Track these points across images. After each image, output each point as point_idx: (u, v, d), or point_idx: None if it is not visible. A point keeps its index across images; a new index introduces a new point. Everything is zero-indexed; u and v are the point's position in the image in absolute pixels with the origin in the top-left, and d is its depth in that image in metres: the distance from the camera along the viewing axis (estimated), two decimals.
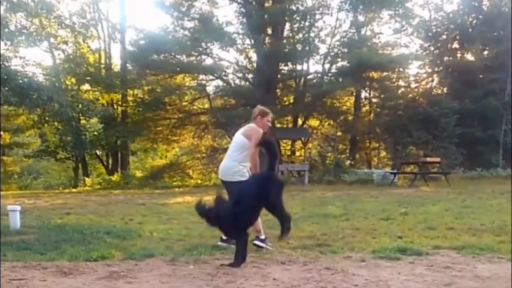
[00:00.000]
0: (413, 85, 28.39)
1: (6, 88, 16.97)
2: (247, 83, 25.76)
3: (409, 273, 4.32)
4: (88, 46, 26.99)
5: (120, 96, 24.99)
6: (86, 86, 25.93)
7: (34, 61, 24.31)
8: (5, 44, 20.42)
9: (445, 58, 26.81)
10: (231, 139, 24.30)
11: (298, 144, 26.28)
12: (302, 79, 25.72)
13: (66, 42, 25.91)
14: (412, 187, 16.08)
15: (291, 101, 26.12)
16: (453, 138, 22.61)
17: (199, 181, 24.42)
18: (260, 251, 5.29)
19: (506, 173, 20.04)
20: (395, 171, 18.82)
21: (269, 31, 24.86)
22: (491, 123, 23.74)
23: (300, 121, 26.58)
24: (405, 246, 5.34)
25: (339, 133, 27.12)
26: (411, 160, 20.83)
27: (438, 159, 18.16)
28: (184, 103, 25.99)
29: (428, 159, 18.42)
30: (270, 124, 5.71)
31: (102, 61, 26.67)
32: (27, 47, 22.89)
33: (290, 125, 25.99)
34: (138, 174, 25.66)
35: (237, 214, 4.59)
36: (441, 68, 26.90)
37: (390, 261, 4.81)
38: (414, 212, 8.75)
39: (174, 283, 4.00)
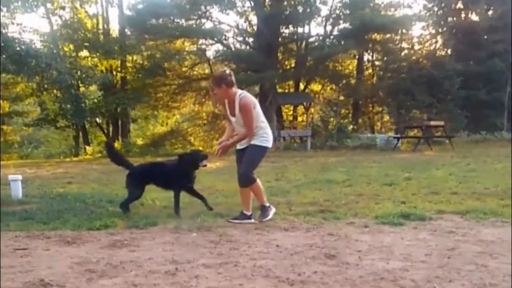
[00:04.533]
0: (416, 47, 28.09)
1: (4, 56, 16.74)
2: (248, 47, 25.43)
3: (412, 238, 4.32)
4: (86, 11, 26.62)
5: (119, 62, 24.73)
6: (85, 53, 25.66)
7: (31, 27, 24.17)
8: (2, 11, 20.05)
9: (449, 19, 26.39)
10: None
11: (300, 109, 26.17)
12: (304, 42, 25.36)
13: (63, 8, 25.55)
14: (415, 151, 16.05)
15: (293, 65, 25.84)
16: (457, 101, 22.49)
17: (200, 148, 24.38)
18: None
19: (510, 136, 19.96)
20: (398, 135, 18.77)
21: None
22: (496, 85, 23.53)
23: (302, 86, 26.36)
24: (408, 211, 5.32)
25: (341, 98, 26.97)
26: (414, 124, 20.77)
27: (442, 123, 18.06)
28: (184, 69, 25.75)
29: (432, 122, 18.32)
30: (212, 93, 5.29)
31: (100, 26, 26.29)
32: (24, 13, 22.51)
33: (292, 90, 25.78)
34: (139, 141, 25.74)
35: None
36: (445, 29, 26.52)
37: (393, 226, 4.80)
38: (417, 177, 8.72)
39: (177, 251, 4.00)
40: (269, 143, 5.10)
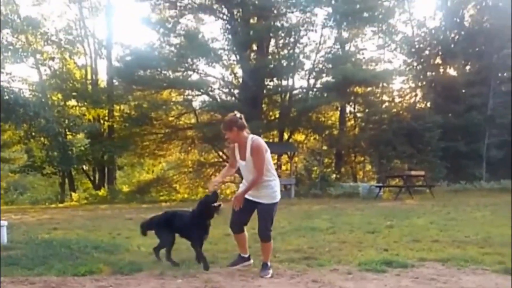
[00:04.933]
0: (397, 99, 28.82)
1: None
2: (233, 98, 25.86)
3: (395, 285, 4.38)
4: (75, 62, 26.99)
5: (107, 111, 24.90)
6: (73, 102, 25.85)
7: (20, 77, 24.30)
8: None
9: (428, 73, 27.28)
10: (218, 153, 24.34)
11: (284, 158, 26.37)
12: (288, 94, 25.92)
13: (52, 58, 25.89)
14: (397, 200, 16.22)
15: (277, 116, 26.27)
16: (437, 151, 22.91)
17: (186, 195, 24.33)
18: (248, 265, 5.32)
19: (489, 185, 20.33)
20: (380, 184, 18.97)
21: (254, 47, 25.12)
22: (474, 137, 24.11)
23: (286, 136, 26.70)
24: (390, 259, 5.38)
25: (324, 147, 27.31)
26: (396, 173, 21.04)
27: (422, 173, 18.37)
28: (170, 118, 25.99)
29: (413, 172, 18.64)
30: (226, 136, 5.00)
31: (89, 77, 26.64)
32: (13, 63, 22.89)
33: (276, 140, 26.11)
34: (125, 188, 25.49)
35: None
36: (424, 83, 27.34)
37: (376, 273, 4.86)
38: (399, 225, 8.81)
39: None
40: (279, 196, 5.00)
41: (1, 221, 6.94)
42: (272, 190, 4.90)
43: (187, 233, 5.25)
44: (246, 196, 4.90)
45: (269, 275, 4.78)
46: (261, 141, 4.85)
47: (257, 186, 4.84)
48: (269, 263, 4.96)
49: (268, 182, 4.89)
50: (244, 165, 4.88)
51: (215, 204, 4.95)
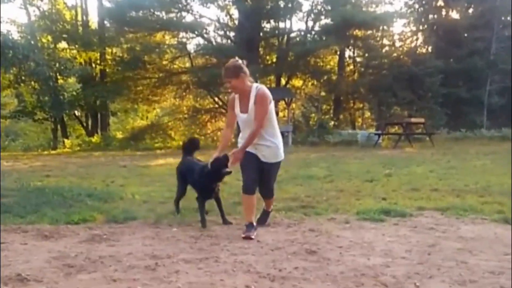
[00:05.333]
0: (397, 44, 28.37)
1: None
2: (229, 41, 25.36)
3: (393, 235, 4.34)
4: (64, 2, 26.22)
5: (98, 54, 24.43)
6: (63, 44, 25.31)
7: (8, 18, 23.60)
8: None
9: (430, 16, 26.68)
10: (213, 99, 24.00)
11: (282, 104, 26.16)
12: (285, 37, 25.40)
13: None
14: (396, 148, 16.21)
15: (274, 60, 25.85)
16: (438, 98, 22.76)
17: (181, 143, 24.22)
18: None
19: (490, 134, 20.30)
20: (379, 132, 18.90)
21: None
22: (476, 83, 23.89)
23: (283, 81, 26.38)
24: (389, 208, 5.36)
25: (323, 93, 27.09)
26: (395, 120, 20.95)
27: (422, 120, 18.26)
28: (164, 62, 25.55)
29: (413, 119, 18.52)
30: (228, 85, 4.39)
31: (79, 18, 25.89)
32: (1, 3, 21.98)
33: (273, 85, 25.80)
34: (119, 135, 25.45)
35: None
36: (425, 26, 26.81)
37: (374, 222, 4.83)
38: (398, 173, 8.79)
39: (157, 246, 3.95)
40: (283, 154, 4.63)
41: None
42: (277, 149, 4.49)
43: (194, 187, 4.97)
44: (253, 151, 4.43)
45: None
46: (266, 90, 4.35)
47: (261, 145, 4.41)
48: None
49: (271, 141, 4.46)
50: (245, 118, 4.37)
51: (225, 170, 4.50)
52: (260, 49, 25.21)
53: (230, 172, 4.55)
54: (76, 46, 24.14)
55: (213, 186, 4.70)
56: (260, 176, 4.48)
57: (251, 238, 4.18)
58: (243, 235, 4.24)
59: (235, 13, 25.06)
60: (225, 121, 5.14)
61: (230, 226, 4.70)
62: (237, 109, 4.43)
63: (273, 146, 4.45)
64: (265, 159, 4.46)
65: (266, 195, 4.74)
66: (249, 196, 4.42)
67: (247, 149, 4.41)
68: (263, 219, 4.75)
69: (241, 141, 4.49)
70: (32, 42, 21.04)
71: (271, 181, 4.67)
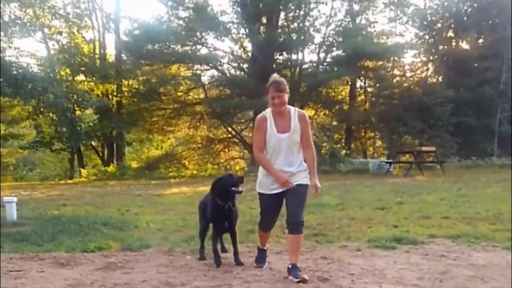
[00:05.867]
0: (408, 74, 28.39)
1: (1, 79, 16.87)
2: (242, 72, 25.66)
3: (404, 262, 4.35)
4: (83, 37, 26.80)
5: (115, 86, 24.83)
6: (81, 77, 25.77)
7: (28, 51, 24.13)
8: (0, 35, 20.25)
9: (440, 47, 26.77)
10: (227, 129, 24.09)
11: None
12: (297, 69, 25.64)
13: (60, 33, 25.70)
14: (407, 176, 16.11)
15: None
16: (448, 127, 22.64)
17: (195, 172, 24.37)
18: (257, 241, 5.28)
19: (501, 161, 20.06)
20: (390, 160, 18.81)
21: (264, 20, 24.72)
22: (486, 112, 23.75)
23: None
24: (400, 235, 5.37)
25: (334, 123, 27.12)
26: (406, 149, 20.84)
27: (433, 148, 18.17)
28: (179, 93, 25.87)
29: (423, 148, 18.42)
30: (278, 100, 3.94)
31: (97, 51, 26.47)
32: (21, 37, 22.70)
33: None
34: (134, 165, 25.60)
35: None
36: (436, 57, 26.86)
37: (385, 250, 4.85)
38: (409, 201, 8.77)
39: (172, 273, 4.01)
40: None
41: (11, 197, 7.00)
42: (306, 169, 4.06)
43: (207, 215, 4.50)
44: (276, 190, 3.98)
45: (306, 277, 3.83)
46: None
47: (294, 166, 4.02)
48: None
49: (303, 164, 4.09)
50: (285, 139, 3.95)
51: (236, 189, 4.14)
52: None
53: (240, 192, 4.18)
54: (94, 78, 24.59)
55: (224, 210, 4.19)
56: (290, 203, 3.95)
57: (261, 266, 4.12)
58: (255, 265, 4.21)
59: (248, 45, 25.42)
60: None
61: (242, 254, 4.68)
62: (271, 129, 3.98)
63: (304, 165, 4.08)
64: (297, 180, 3.98)
65: (294, 226, 3.90)
66: (265, 232, 4.30)
67: (273, 191, 3.99)
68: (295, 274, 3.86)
69: (265, 170, 4.05)
70: (51, 75, 21.55)
71: (302, 207, 4.01)
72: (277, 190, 3.97)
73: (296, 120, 3.99)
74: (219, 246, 4.56)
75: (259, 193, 4.12)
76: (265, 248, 4.32)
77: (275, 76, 4.12)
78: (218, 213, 4.24)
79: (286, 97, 3.97)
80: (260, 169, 4.09)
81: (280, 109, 3.96)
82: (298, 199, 3.96)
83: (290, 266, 3.91)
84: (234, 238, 4.34)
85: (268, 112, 4.05)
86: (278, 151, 3.98)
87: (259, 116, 4.10)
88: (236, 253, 4.35)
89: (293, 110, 4.05)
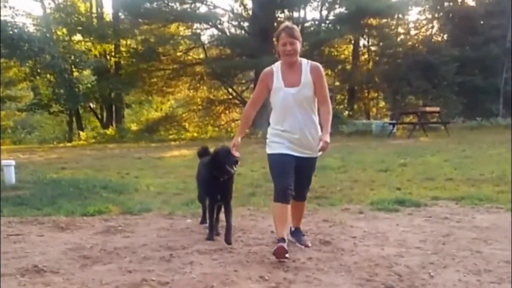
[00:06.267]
0: (412, 32, 27.88)
1: None
2: (243, 31, 25.22)
3: (407, 225, 4.32)
4: None
5: (113, 46, 24.45)
6: (78, 37, 25.40)
7: (24, 11, 23.75)
8: None
9: (446, 4, 26.17)
10: (227, 90, 23.75)
11: None
12: (299, 27, 24.96)
13: None
14: (411, 137, 16.03)
15: None
16: (453, 86, 22.41)
17: (195, 134, 24.36)
18: (259, 204, 5.26)
19: (506, 122, 19.91)
20: (394, 121, 18.69)
21: None
22: (491, 71, 23.44)
23: None
24: (403, 198, 5.35)
25: (337, 83, 26.86)
26: (410, 110, 20.69)
27: (437, 109, 18.00)
28: (178, 54, 25.52)
29: (428, 108, 18.25)
30: (290, 46, 3.44)
31: (94, 10, 25.96)
32: None
33: None
34: (133, 127, 25.59)
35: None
36: (441, 14, 26.31)
37: (388, 212, 4.82)
38: (413, 163, 8.72)
39: (172, 237, 3.99)
40: None
41: (9, 161, 6.93)
42: (318, 137, 3.50)
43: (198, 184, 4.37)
44: (291, 149, 3.52)
45: (309, 243, 3.72)
46: None
47: (306, 134, 3.51)
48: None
49: (316, 128, 3.59)
50: (294, 93, 3.46)
51: (230, 169, 3.72)
52: (274, 39, 25.07)
53: (232, 173, 3.78)
54: (91, 38, 24.19)
55: (218, 183, 3.83)
56: (298, 174, 3.54)
57: (286, 258, 3.29)
58: (275, 254, 3.31)
59: (248, 3, 24.91)
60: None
61: (244, 217, 4.70)
62: (278, 82, 3.51)
63: (317, 132, 3.56)
64: (306, 152, 3.55)
65: (300, 196, 3.70)
66: (283, 205, 3.47)
67: (284, 151, 3.50)
68: (298, 239, 3.78)
69: (277, 128, 3.57)
70: (48, 35, 21.11)
71: (310, 179, 3.76)
72: (289, 151, 3.50)
73: (308, 73, 3.50)
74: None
75: (269, 155, 3.58)
76: (284, 237, 3.44)
77: (286, 22, 3.73)
78: (211, 183, 3.86)
79: (299, 45, 3.49)
80: (269, 129, 3.63)
81: (291, 59, 3.47)
82: (304, 179, 3.65)
83: (293, 229, 3.83)
84: (228, 213, 3.88)
85: (276, 66, 3.58)
86: (286, 108, 3.48)
87: (266, 69, 3.62)
88: (228, 230, 3.84)
89: (305, 62, 3.55)
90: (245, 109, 3.75)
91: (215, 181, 3.82)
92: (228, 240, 3.77)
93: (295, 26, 3.61)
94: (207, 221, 4.09)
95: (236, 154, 3.56)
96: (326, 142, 3.36)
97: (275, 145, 3.54)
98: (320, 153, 3.52)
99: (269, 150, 3.59)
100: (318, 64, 3.60)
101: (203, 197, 4.29)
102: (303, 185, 3.67)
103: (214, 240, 3.85)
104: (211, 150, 4.15)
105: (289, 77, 3.49)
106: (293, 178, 3.50)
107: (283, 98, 3.47)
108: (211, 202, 3.98)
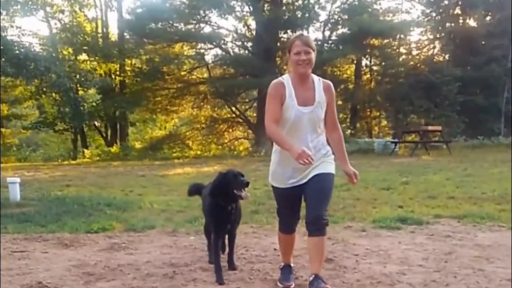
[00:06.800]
0: (414, 52, 28.10)
1: (3, 59, 16.79)
2: (246, 51, 25.45)
3: (409, 243, 4.33)
4: (85, 15, 26.63)
5: (118, 66, 24.71)
6: (83, 56, 25.69)
7: (30, 31, 24.17)
8: (1, 14, 20.08)
9: (447, 24, 26.42)
10: (231, 109, 23.83)
11: None
12: None
13: (62, 11, 25.58)
14: (413, 156, 16.03)
15: (291, 69, 25.84)
16: (455, 106, 22.47)
17: (199, 152, 24.39)
18: (261, 222, 5.28)
19: (507, 141, 19.90)
20: (396, 140, 18.73)
21: None
22: (493, 90, 23.54)
23: None
24: (405, 216, 5.35)
25: (339, 102, 26.94)
26: (412, 128, 20.70)
27: (439, 128, 18.04)
28: (182, 73, 25.74)
29: (429, 127, 18.29)
30: (305, 56, 3.02)
31: (99, 30, 26.31)
32: (23, 16, 22.66)
33: None
34: (137, 145, 25.66)
35: None
36: (443, 34, 26.54)
37: (390, 230, 4.82)
38: (415, 181, 8.73)
39: (175, 254, 4.00)
40: None
41: (14, 178, 6.99)
42: (331, 154, 3.25)
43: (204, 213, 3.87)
44: (291, 180, 3.14)
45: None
46: None
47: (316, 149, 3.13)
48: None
49: (328, 150, 3.25)
50: (307, 113, 3.05)
51: (239, 193, 3.25)
52: (277, 59, 25.27)
53: (243, 198, 3.29)
54: (96, 58, 24.49)
55: (225, 213, 3.38)
56: (310, 196, 3.11)
57: (290, 283, 3.19)
58: (279, 284, 3.20)
59: (252, 24, 25.17)
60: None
61: (247, 234, 4.71)
62: (291, 99, 3.06)
63: (329, 150, 3.27)
64: (319, 168, 3.14)
65: (317, 223, 3.06)
66: (286, 236, 3.37)
67: (289, 184, 3.14)
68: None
69: (277, 153, 3.16)
70: (54, 54, 21.44)
71: (327, 200, 3.17)
72: (294, 182, 3.12)
73: (322, 91, 3.13)
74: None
75: (273, 187, 3.26)
76: (290, 264, 3.38)
77: (300, 32, 3.48)
78: (218, 214, 3.39)
79: (314, 56, 3.08)
80: (273, 157, 3.20)
81: (306, 70, 3.06)
82: (321, 194, 3.10)
83: (312, 277, 3.04)
84: (232, 240, 3.63)
85: (286, 79, 3.12)
86: (297, 129, 3.05)
87: (274, 81, 3.13)
88: (231, 255, 3.63)
89: (317, 79, 3.18)
90: (272, 127, 3.00)
91: (222, 211, 3.35)
92: (232, 266, 3.56)
93: (306, 35, 3.26)
94: (213, 257, 3.54)
95: (310, 153, 2.84)
96: (355, 172, 3.26)
97: (279, 176, 3.18)
98: (333, 171, 3.22)
99: (272, 182, 3.25)
100: (330, 82, 3.25)
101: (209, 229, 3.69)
102: (317, 207, 3.07)
103: (224, 284, 3.25)
104: (205, 184, 3.76)
105: (302, 94, 3.07)
106: (299, 209, 3.28)
107: (295, 117, 3.03)
108: (216, 236, 3.47)
